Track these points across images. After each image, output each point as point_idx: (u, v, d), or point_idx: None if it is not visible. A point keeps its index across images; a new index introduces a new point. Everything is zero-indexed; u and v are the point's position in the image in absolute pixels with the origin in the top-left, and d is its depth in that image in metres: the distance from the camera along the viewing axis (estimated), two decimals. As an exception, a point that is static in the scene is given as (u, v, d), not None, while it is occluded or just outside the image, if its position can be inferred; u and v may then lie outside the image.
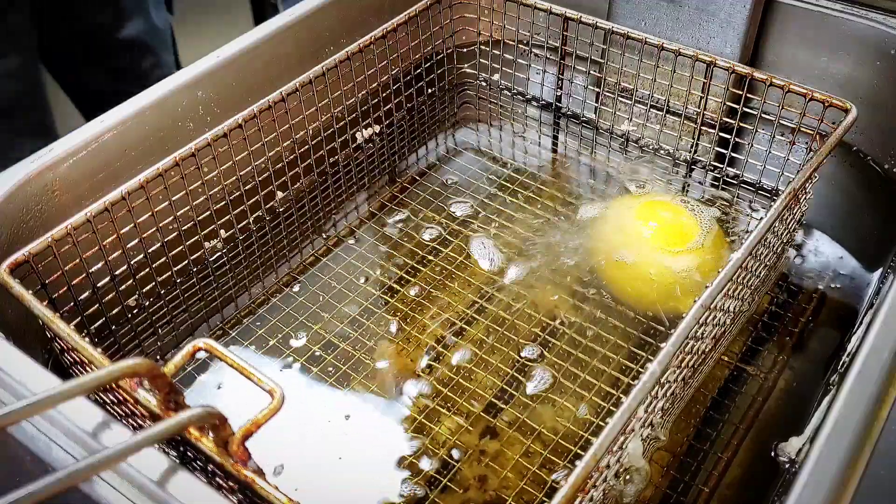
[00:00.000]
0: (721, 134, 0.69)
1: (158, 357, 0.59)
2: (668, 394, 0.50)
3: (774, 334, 0.60)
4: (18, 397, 0.44)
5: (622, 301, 0.62)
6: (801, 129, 0.63)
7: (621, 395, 0.56)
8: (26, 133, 1.02)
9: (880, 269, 0.63)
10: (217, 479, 0.43)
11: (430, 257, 0.66)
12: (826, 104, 0.60)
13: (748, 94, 0.65)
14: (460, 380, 0.57)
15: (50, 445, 0.42)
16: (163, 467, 0.40)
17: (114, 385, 0.46)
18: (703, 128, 0.70)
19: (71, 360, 0.50)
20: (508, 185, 0.72)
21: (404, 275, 0.64)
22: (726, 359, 0.58)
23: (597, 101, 0.76)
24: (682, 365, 0.49)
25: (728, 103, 0.67)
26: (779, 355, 0.59)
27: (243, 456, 0.38)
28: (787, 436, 0.52)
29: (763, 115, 0.65)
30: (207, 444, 0.38)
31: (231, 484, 0.41)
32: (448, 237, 0.67)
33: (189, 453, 0.44)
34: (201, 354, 0.58)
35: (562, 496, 0.36)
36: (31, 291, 0.47)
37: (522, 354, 0.59)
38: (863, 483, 0.40)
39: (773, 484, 0.50)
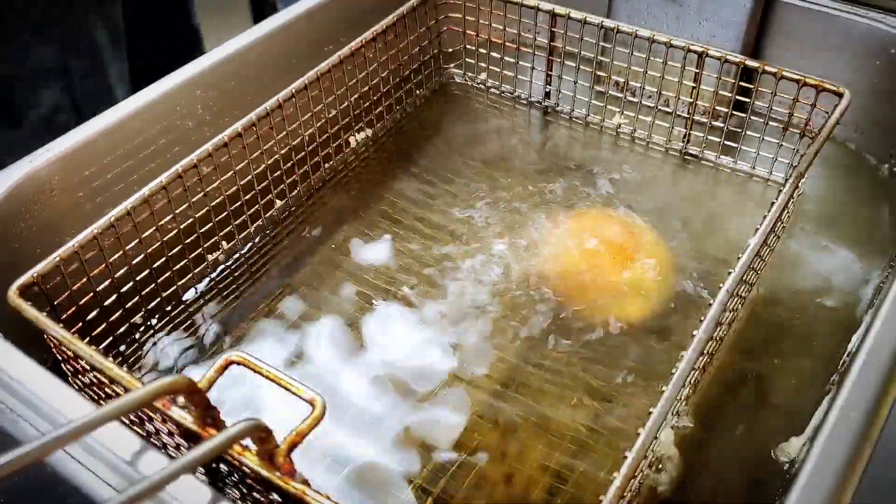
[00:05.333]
0: (714, 124, 0.70)
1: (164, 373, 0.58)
2: (692, 381, 0.50)
3: (774, 335, 0.60)
4: (19, 398, 0.43)
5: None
6: (796, 115, 0.64)
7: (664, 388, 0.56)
8: None
9: (880, 269, 0.64)
10: (254, 493, 0.42)
11: (427, 262, 0.65)
12: (819, 89, 0.61)
13: (742, 84, 0.66)
14: (468, 379, 0.57)
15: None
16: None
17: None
18: (696, 118, 0.71)
19: (72, 369, 0.49)
20: (500, 185, 0.72)
21: (400, 278, 0.64)
22: (731, 355, 0.59)
23: (588, 97, 0.77)
24: (706, 352, 0.50)
25: (721, 92, 0.68)
26: (778, 356, 0.59)
27: (290, 468, 0.37)
28: (787, 436, 0.52)
29: (758, 105, 0.66)
30: (251, 458, 0.38)
31: (273, 497, 0.40)
32: (443, 243, 0.67)
33: (223, 469, 0.43)
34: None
35: (616, 487, 0.36)
36: (44, 313, 0.46)
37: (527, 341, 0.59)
38: (863, 483, 0.40)
39: (773, 484, 0.50)
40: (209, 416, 0.40)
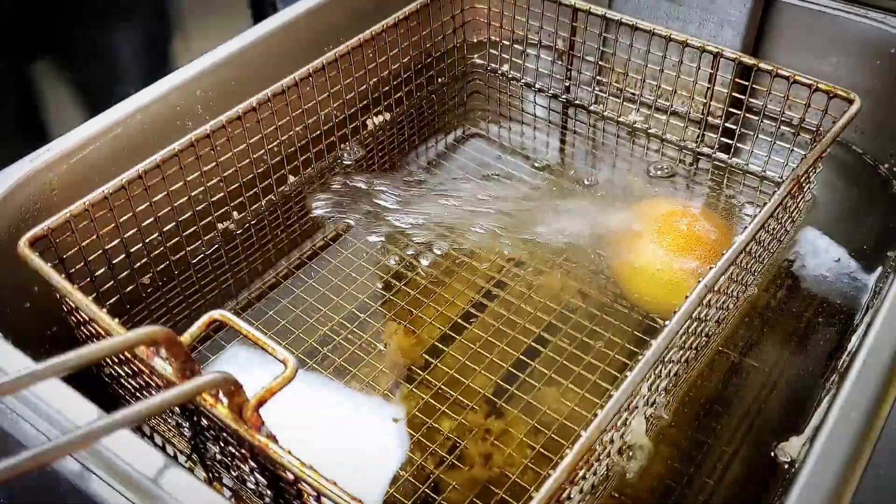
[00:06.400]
0: (727, 125, 0.70)
1: (171, 335, 0.60)
2: (671, 374, 0.51)
3: (774, 335, 0.60)
4: (18, 398, 0.44)
5: (627, 297, 0.62)
6: (806, 119, 0.64)
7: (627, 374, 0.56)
8: None
9: (880, 269, 0.64)
10: (230, 447, 0.44)
11: (442, 242, 0.67)
12: (830, 95, 0.61)
13: (754, 86, 0.66)
14: (467, 361, 0.58)
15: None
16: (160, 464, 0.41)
17: (130, 356, 0.47)
18: (709, 118, 0.71)
19: (87, 333, 0.52)
20: (516, 174, 0.73)
21: (413, 262, 0.65)
22: (730, 354, 0.59)
23: (604, 92, 0.77)
24: (686, 345, 0.50)
25: (734, 94, 0.68)
26: (779, 356, 0.59)
27: (257, 422, 0.39)
28: (787, 436, 0.53)
29: (768, 107, 0.66)
30: (221, 410, 0.39)
31: (244, 452, 0.42)
32: (456, 225, 0.68)
33: (202, 422, 0.45)
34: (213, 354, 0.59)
35: (565, 465, 0.37)
36: (49, 265, 0.48)
37: (528, 340, 0.59)
38: (863, 483, 0.40)
39: (773, 484, 0.51)
40: (188, 368, 0.42)
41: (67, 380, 0.48)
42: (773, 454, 0.52)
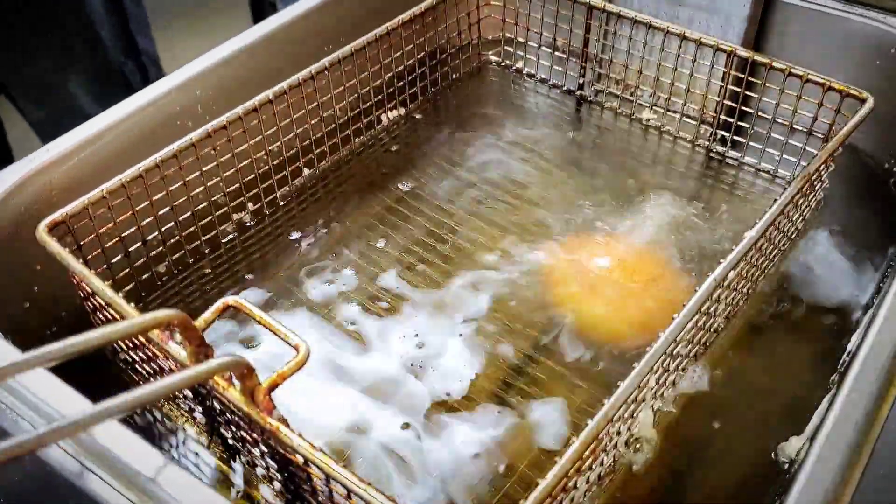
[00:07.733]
0: (740, 123, 0.70)
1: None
2: (678, 368, 0.51)
3: (774, 334, 0.60)
4: (19, 398, 0.45)
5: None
6: (818, 118, 0.64)
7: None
8: None
9: (881, 269, 0.64)
10: (241, 432, 0.45)
11: (446, 236, 0.67)
12: (843, 94, 0.61)
13: (765, 84, 0.66)
14: (472, 357, 0.58)
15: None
16: (160, 464, 0.42)
17: (145, 341, 0.48)
18: (722, 117, 0.71)
19: (103, 318, 0.52)
20: (528, 170, 0.74)
21: (420, 255, 0.66)
22: (731, 353, 0.59)
23: (617, 90, 0.78)
24: (694, 340, 0.50)
25: (747, 93, 0.69)
26: (779, 355, 0.59)
27: (269, 406, 0.40)
28: (787, 436, 0.53)
29: (781, 106, 0.66)
30: (234, 393, 0.40)
31: (255, 435, 0.43)
32: (465, 219, 0.69)
33: (215, 406, 0.46)
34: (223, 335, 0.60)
35: (571, 453, 0.38)
36: (67, 250, 0.49)
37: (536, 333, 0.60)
38: (862, 483, 0.41)
39: (773, 484, 0.51)
40: (203, 352, 0.42)
41: (79, 374, 0.48)
42: (773, 454, 0.52)
